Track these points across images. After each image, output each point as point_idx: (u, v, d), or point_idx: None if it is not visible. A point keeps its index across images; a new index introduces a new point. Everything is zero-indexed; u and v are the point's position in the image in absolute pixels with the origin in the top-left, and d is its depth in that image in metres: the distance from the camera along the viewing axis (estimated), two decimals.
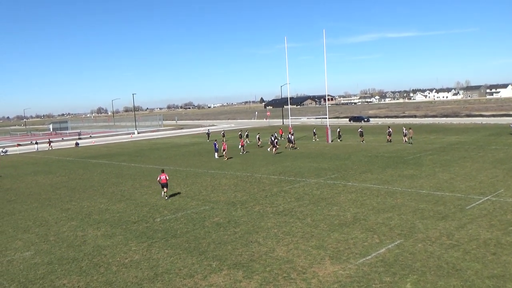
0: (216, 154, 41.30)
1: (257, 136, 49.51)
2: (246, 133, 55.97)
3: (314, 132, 53.87)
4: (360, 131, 48.52)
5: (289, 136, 45.36)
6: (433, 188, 22.25)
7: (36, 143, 66.78)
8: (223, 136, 57.88)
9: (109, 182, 30.79)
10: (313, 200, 21.15)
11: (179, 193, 25.24)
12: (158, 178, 23.80)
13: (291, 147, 44.10)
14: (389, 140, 44.97)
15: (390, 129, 46.18)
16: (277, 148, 40.91)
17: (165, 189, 23.78)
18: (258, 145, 47.72)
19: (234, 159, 38.82)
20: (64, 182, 32.16)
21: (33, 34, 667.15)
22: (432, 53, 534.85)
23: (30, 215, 22.03)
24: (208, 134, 59.61)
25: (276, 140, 41.39)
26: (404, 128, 45.03)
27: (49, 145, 65.75)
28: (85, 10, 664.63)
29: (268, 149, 42.59)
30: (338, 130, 51.45)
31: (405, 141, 43.26)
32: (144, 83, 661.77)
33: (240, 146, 42.97)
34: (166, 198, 23.74)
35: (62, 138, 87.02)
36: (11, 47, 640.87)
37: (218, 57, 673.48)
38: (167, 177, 23.86)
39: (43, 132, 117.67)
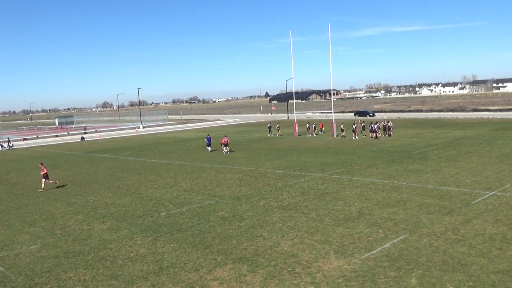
0: (209, 148, 41.24)
1: (341, 127, 49.30)
2: (314, 124, 56.94)
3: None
4: (363, 125, 48.49)
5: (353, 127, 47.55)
6: (438, 183, 22.16)
7: None
8: (278, 129, 58.43)
9: (115, 176, 30.92)
10: (318, 195, 21.14)
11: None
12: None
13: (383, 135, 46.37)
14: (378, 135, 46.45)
15: (378, 124, 46.79)
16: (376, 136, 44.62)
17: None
18: (343, 136, 48.08)
19: (239, 153, 38.85)
20: (70, 176, 32.33)
21: (38, 28, 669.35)
22: (438, 47, 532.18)
23: (37, 209, 22.19)
24: (269, 127, 60.14)
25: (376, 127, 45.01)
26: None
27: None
28: (90, 4, 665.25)
29: (370, 136, 44.85)
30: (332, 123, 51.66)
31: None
32: (149, 78, 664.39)
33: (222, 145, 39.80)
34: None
35: (68, 133, 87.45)
36: (16, 41, 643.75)
37: (223, 51, 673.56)
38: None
39: (49, 127, 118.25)
